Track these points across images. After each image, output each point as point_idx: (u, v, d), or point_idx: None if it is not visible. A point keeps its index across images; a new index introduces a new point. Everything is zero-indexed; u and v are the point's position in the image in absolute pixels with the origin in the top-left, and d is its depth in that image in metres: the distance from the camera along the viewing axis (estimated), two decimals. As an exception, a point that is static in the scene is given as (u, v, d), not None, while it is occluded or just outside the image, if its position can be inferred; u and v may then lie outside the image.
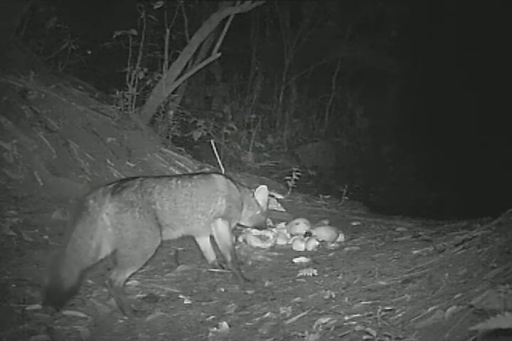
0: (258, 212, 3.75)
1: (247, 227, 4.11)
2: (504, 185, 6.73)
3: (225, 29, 6.97)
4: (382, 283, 3.01)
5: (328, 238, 4.33)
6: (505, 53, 9.28)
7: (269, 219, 4.49)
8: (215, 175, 3.57)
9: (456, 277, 2.69)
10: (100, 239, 2.98)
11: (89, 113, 5.70)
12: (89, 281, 3.32)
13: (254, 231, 4.26)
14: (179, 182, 3.34)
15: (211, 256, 3.72)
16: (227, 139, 8.20)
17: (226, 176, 3.65)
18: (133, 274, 3.17)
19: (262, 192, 3.74)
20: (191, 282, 3.53)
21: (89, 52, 7.28)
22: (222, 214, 3.46)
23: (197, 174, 3.65)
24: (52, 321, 2.83)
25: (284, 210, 5.27)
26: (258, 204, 3.73)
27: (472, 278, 2.59)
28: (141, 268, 3.43)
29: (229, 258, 3.51)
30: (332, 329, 2.47)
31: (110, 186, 3.11)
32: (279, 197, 5.62)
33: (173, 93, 6.95)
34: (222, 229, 3.48)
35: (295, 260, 3.90)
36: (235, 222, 3.67)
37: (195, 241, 3.72)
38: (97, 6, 7.73)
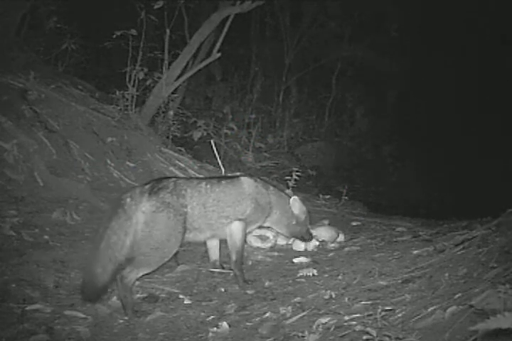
0: (294, 222, 3.73)
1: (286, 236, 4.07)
2: (504, 185, 6.74)
3: (225, 29, 6.97)
4: (382, 283, 3.01)
5: (328, 238, 4.32)
6: (506, 54, 9.28)
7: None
8: (243, 178, 3.56)
9: (456, 277, 2.70)
10: (134, 235, 3.01)
11: (89, 113, 5.70)
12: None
13: (255, 231, 4.25)
14: (208, 186, 3.36)
15: (214, 255, 3.70)
16: (227, 139, 8.19)
17: (256, 179, 3.63)
18: (144, 275, 3.17)
19: (294, 204, 3.72)
20: (191, 282, 3.53)
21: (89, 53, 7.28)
22: (243, 217, 3.46)
23: (226, 178, 3.63)
24: (52, 321, 2.83)
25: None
26: (293, 213, 3.71)
27: (472, 278, 2.59)
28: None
29: (234, 257, 3.49)
30: (332, 329, 2.47)
31: (147, 186, 3.15)
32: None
33: (173, 93, 6.95)
34: (236, 229, 3.46)
35: (295, 260, 3.90)
36: (255, 226, 3.66)
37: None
38: (97, 6, 7.73)
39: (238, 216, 3.44)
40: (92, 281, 2.95)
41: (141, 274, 3.10)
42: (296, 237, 3.95)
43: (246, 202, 3.45)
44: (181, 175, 5.46)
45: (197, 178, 3.82)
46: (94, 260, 2.99)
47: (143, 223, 3.02)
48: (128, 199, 3.06)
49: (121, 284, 3.03)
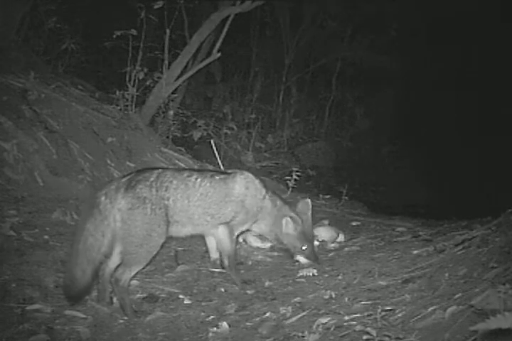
0: (283, 239, 3.54)
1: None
2: (504, 185, 6.73)
3: (225, 29, 6.97)
4: (382, 283, 3.01)
5: (328, 238, 4.33)
6: (506, 54, 9.28)
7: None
8: (238, 177, 3.40)
9: (456, 277, 2.69)
10: (112, 233, 2.97)
11: (89, 113, 5.69)
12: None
13: (254, 231, 4.25)
14: (198, 180, 3.24)
15: (215, 254, 3.67)
16: (227, 139, 8.19)
17: (252, 179, 3.45)
18: (137, 273, 3.16)
19: (287, 224, 3.48)
20: (191, 282, 3.53)
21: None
22: (228, 220, 3.37)
23: (221, 173, 3.48)
24: (52, 321, 2.83)
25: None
26: (281, 231, 3.50)
27: (472, 278, 2.59)
28: (142, 268, 3.43)
29: (226, 262, 3.47)
30: (332, 329, 2.47)
31: (124, 180, 3.07)
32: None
33: (173, 93, 6.94)
34: (222, 234, 3.41)
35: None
36: (242, 228, 3.53)
37: (204, 238, 3.66)
38: (96, 5, 7.74)
39: (223, 218, 3.33)
40: (74, 284, 2.93)
41: (133, 273, 3.07)
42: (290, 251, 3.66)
43: (232, 204, 3.33)
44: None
45: (189, 170, 3.62)
46: (73, 263, 2.96)
47: (120, 221, 2.96)
48: (103, 198, 2.98)
49: (116, 287, 3.01)
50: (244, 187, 3.39)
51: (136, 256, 3.02)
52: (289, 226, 3.49)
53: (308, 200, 3.64)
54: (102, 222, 2.96)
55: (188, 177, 3.24)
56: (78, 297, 2.99)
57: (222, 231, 3.40)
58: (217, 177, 3.34)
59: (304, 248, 3.59)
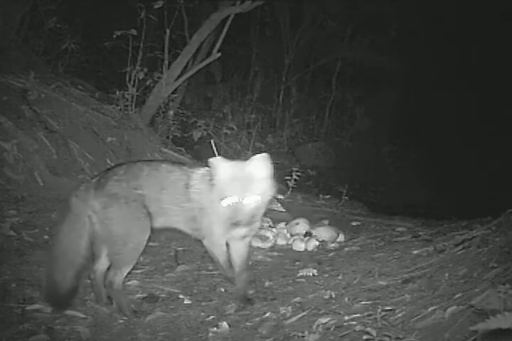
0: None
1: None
2: (504, 185, 6.74)
3: (225, 29, 6.97)
4: (382, 283, 3.01)
5: (328, 238, 4.33)
6: (506, 54, 9.28)
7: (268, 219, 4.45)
8: (197, 168, 3.06)
9: (456, 277, 2.69)
10: (91, 235, 2.89)
11: (89, 113, 5.70)
12: (89, 282, 3.31)
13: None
14: (169, 167, 3.01)
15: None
16: (227, 139, 8.19)
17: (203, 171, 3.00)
18: (130, 273, 3.13)
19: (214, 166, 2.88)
20: (191, 282, 3.53)
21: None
22: (200, 225, 3.00)
23: (187, 164, 3.32)
24: (52, 321, 2.83)
25: (284, 210, 5.27)
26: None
27: (472, 278, 2.59)
28: (141, 268, 3.44)
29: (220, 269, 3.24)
30: (332, 329, 2.47)
31: (94, 180, 2.96)
32: (279, 197, 5.62)
33: (173, 93, 6.95)
34: (207, 243, 3.07)
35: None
36: (226, 235, 3.02)
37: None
38: (96, 5, 7.74)
39: (194, 220, 2.99)
40: (55, 289, 2.88)
41: (125, 273, 2.98)
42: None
43: (193, 201, 2.96)
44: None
45: (159, 160, 3.40)
46: (51, 267, 2.90)
47: (98, 222, 2.86)
48: (74, 199, 2.89)
49: (111, 290, 2.96)
50: (198, 181, 2.97)
51: (123, 256, 2.91)
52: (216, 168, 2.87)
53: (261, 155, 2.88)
54: (76, 223, 2.88)
55: (158, 165, 3.05)
56: (62, 302, 2.92)
57: (206, 241, 3.08)
58: (184, 167, 3.08)
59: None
